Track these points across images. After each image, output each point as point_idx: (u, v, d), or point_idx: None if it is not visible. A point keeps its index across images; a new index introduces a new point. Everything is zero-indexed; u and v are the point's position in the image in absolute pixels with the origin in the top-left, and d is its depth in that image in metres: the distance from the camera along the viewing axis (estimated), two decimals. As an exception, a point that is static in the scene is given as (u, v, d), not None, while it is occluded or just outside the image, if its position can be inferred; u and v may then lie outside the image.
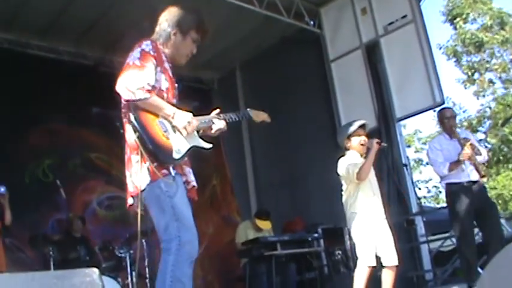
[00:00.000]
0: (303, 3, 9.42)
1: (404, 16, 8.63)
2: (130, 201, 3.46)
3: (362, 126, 5.64)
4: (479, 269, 6.04)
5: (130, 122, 3.31)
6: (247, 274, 7.47)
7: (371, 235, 5.32)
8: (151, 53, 3.42)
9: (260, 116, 4.12)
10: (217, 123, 3.68)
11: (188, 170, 3.56)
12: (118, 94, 3.30)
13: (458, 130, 6.85)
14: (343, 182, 5.59)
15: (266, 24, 9.61)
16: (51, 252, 6.90)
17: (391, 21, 8.80)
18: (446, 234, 7.97)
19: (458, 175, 6.31)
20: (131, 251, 7.14)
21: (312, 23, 9.73)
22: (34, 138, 8.63)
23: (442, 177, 6.59)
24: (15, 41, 8.93)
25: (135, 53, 3.40)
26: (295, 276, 7.74)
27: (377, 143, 5.48)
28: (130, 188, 3.40)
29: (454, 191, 6.37)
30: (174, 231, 3.22)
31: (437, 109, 7.56)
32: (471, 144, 6.21)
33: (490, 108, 21.10)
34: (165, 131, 3.34)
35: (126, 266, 7.03)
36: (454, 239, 7.79)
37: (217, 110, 3.76)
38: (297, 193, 9.87)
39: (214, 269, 9.95)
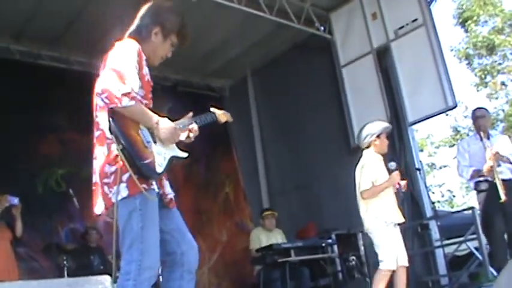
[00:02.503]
0: (313, 9, 9.40)
1: (415, 20, 8.57)
2: (98, 211, 3.24)
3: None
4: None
5: (111, 131, 3.03)
6: (261, 281, 7.45)
7: (393, 239, 5.35)
8: (136, 56, 3.16)
9: (223, 116, 3.84)
10: (194, 128, 3.44)
11: (165, 182, 3.34)
12: (99, 98, 3.11)
13: (494, 133, 6.86)
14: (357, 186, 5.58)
15: (277, 31, 9.62)
16: (65, 262, 6.93)
17: (401, 25, 8.74)
18: (461, 239, 7.90)
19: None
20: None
21: (322, 28, 9.70)
22: (46, 147, 8.67)
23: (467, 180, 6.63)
24: (26, 52, 9.00)
25: (119, 54, 3.15)
26: (309, 282, 7.70)
27: (398, 183, 5.52)
28: (103, 199, 3.16)
29: (482, 189, 6.39)
30: (136, 254, 3.02)
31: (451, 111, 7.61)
32: (495, 155, 6.16)
33: (503, 111, 20.98)
34: (147, 142, 3.12)
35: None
36: (469, 243, 7.76)
37: (191, 113, 3.48)
38: (310, 198, 9.84)
39: (228, 276, 9.93)
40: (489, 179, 6.37)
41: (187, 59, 9.53)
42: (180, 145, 3.39)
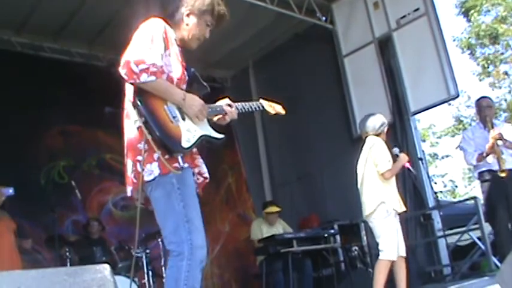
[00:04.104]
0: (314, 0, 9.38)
1: (417, 9, 8.54)
2: (130, 192, 3.17)
3: None
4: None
5: (135, 106, 2.98)
6: (264, 271, 7.45)
7: (394, 229, 5.36)
8: (161, 33, 3.11)
9: (274, 108, 3.82)
10: (230, 112, 3.40)
11: (200, 161, 3.28)
12: (120, 75, 3.00)
13: (497, 122, 6.87)
14: (370, 169, 5.55)
15: (278, 21, 9.61)
16: (67, 253, 6.95)
17: (403, 14, 8.73)
18: (464, 229, 7.91)
19: (490, 164, 6.34)
20: (147, 251, 7.16)
21: (324, 18, 9.67)
22: (48, 140, 8.67)
23: (474, 166, 6.66)
24: (28, 44, 8.97)
25: (143, 30, 3.10)
26: (311, 272, 7.70)
27: (408, 161, 5.64)
28: (134, 179, 3.07)
29: (486, 179, 6.42)
30: (184, 234, 2.93)
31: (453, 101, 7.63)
32: (497, 136, 6.21)
33: (505, 100, 20.94)
34: (173, 117, 3.04)
35: (143, 265, 7.05)
36: (471, 233, 7.76)
37: (227, 100, 3.44)
38: (312, 190, 9.84)
39: (230, 267, 9.95)
40: (493, 169, 6.39)
41: (189, 49, 9.54)
42: (217, 128, 3.35)
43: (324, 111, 9.78)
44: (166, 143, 2.95)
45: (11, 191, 6.32)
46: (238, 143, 11.37)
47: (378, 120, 5.73)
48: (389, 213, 5.36)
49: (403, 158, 5.59)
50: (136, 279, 6.83)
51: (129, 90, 3.12)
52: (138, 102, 2.96)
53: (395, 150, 5.73)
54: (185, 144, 3.02)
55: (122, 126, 3.22)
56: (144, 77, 2.91)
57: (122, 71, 2.93)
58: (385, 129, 5.74)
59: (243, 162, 11.38)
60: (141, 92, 2.98)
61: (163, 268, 7.13)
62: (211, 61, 10.81)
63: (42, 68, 8.81)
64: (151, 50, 3.00)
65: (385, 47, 8.99)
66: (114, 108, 8.14)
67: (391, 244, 5.30)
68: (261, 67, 11.33)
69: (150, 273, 7.05)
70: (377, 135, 5.68)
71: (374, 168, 5.48)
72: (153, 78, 2.93)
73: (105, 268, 2.03)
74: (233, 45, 10.41)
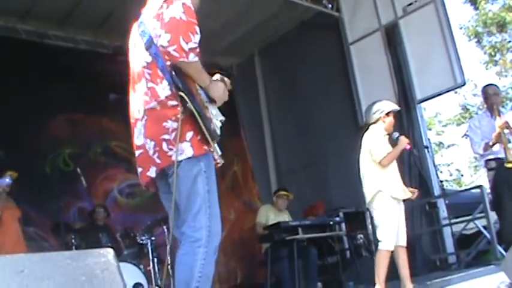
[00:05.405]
0: (320, -13, 9.33)
1: (424, -4, 8.51)
2: (152, 173, 3.05)
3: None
4: None
5: (175, 86, 2.86)
6: (269, 259, 7.46)
7: (395, 218, 5.31)
8: (192, 8, 2.88)
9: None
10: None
11: (215, 146, 3.18)
12: (165, 53, 2.84)
13: (504, 110, 6.84)
14: (367, 158, 5.52)
15: (284, 9, 9.56)
16: (73, 240, 6.97)
17: (410, 2, 8.67)
18: (469, 217, 7.89)
19: (497, 152, 6.32)
20: (152, 238, 7.18)
21: (330, 6, 9.62)
22: (54, 127, 8.66)
23: (480, 155, 6.64)
24: (33, 31, 8.91)
25: (177, 6, 2.82)
26: (316, 260, 7.70)
27: (408, 143, 5.55)
28: (158, 159, 2.97)
29: (492, 167, 6.41)
30: (204, 219, 2.90)
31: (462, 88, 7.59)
32: (504, 125, 6.19)
33: (512, 89, 20.85)
34: (205, 102, 2.97)
35: (148, 252, 7.08)
36: (477, 222, 7.75)
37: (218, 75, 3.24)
38: (318, 177, 9.83)
39: (236, 255, 9.96)
40: (499, 157, 6.37)
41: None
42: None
43: (329, 99, 9.76)
44: (209, 128, 2.90)
45: (7, 179, 6.22)
46: (244, 130, 11.36)
47: (375, 108, 5.67)
48: (390, 203, 5.31)
49: (403, 141, 5.51)
50: (141, 266, 6.86)
51: (153, 70, 2.98)
52: (180, 84, 2.86)
53: (395, 134, 5.63)
54: (218, 130, 3.00)
55: (129, 111, 3.16)
56: (191, 57, 2.81)
57: (171, 47, 2.78)
58: (382, 115, 5.61)
59: (248, 150, 11.37)
60: (179, 74, 2.87)
61: (169, 256, 7.14)
62: (216, 49, 10.77)
63: (47, 55, 8.79)
64: (193, 26, 2.85)
65: (391, 34, 8.93)
66: (118, 95, 8.19)
67: (389, 234, 5.26)
68: (266, 55, 11.30)
69: (156, 260, 7.08)
70: (376, 122, 5.63)
71: (371, 157, 5.46)
72: (197, 58, 2.85)
73: (109, 252, 2.02)
74: (239, 33, 10.37)
